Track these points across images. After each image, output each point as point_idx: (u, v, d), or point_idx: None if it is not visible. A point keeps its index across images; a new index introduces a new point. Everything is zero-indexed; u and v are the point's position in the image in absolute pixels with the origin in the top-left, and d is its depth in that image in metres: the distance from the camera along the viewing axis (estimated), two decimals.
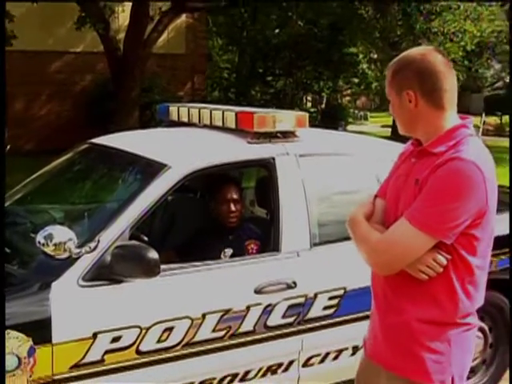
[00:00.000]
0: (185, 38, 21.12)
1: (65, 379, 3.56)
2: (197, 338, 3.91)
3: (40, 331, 3.48)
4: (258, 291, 4.06)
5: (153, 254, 3.63)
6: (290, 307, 4.18)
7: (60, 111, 19.16)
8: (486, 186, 2.63)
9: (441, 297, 2.70)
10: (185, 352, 3.89)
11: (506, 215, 5.07)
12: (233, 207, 4.66)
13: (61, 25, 18.03)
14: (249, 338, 4.08)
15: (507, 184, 7.36)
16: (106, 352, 3.66)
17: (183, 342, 3.88)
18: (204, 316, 3.91)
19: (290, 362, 4.30)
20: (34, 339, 3.44)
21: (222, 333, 3.99)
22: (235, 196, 4.68)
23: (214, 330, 3.96)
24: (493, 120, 33.98)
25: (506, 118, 35.68)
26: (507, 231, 4.86)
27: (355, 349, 4.41)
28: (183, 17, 19.71)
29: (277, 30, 25.75)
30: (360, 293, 4.22)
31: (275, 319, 4.14)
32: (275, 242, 4.28)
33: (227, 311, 3.98)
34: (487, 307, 4.89)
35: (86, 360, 3.61)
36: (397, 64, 2.82)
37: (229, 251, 4.52)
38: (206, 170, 4.24)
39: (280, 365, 4.26)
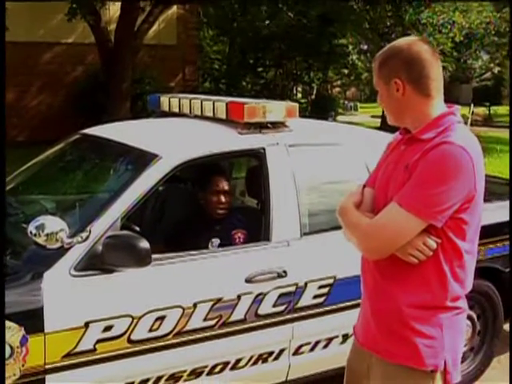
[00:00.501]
0: (176, 28, 21.07)
1: (57, 368, 3.58)
2: (188, 327, 3.93)
3: (32, 321, 3.49)
4: (248, 280, 4.09)
5: (144, 244, 3.65)
6: (281, 296, 4.21)
7: (51, 102, 19.11)
8: (475, 169, 2.66)
9: (431, 281, 2.73)
10: (176, 341, 3.91)
11: (494, 204, 5.13)
12: (222, 198, 4.68)
13: (52, 16, 17.98)
14: (240, 327, 4.11)
15: (496, 173, 7.42)
16: (98, 341, 3.68)
17: (175, 331, 3.90)
18: (195, 305, 3.93)
19: (281, 351, 4.33)
20: (26, 329, 3.45)
21: (213, 322, 4.01)
22: (226, 187, 4.71)
23: (205, 319, 3.98)
24: (481, 111, 34.06)
25: (494, 109, 35.80)
26: (495, 220, 4.93)
27: (345, 337, 4.45)
28: (174, 8, 19.67)
29: (267, 22, 25.70)
30: (350, 281, 4.25)
31: (266, 308, 4.17)
32: (266, 231, 4.30)
33: (218, 300, 4.01)
34: (475, 295, 4.97)
35: (78, 349, 3.62)
36: (384, 54, 2.87)
37: (216, 241, 4.54)
38: (197, 160, 4.26)
39: (271, 353, 4.29)
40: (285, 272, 4.19)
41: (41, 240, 3.53)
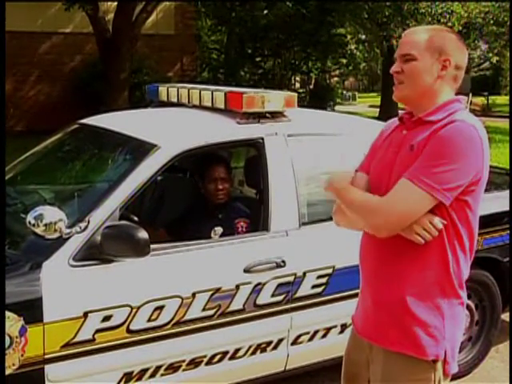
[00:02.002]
0: (174, 18, 21.03)
1: (56, 358, 3.59)
2: (187, 317, 3.95)
3: (31, 311, 3.49)
4: (247, 270, 4.10)
5: (143, 234, 3.65)
6: (280, 286, 4.21)
7: (49, 92, 19.10)
8: (483, 150, 2.69)
9: (433, 267, 2.73)
10: (175, 331, 3.93)
11: (492, 194, 5.14)
12: (220, 185, 4.71)
13: (49, 5, 17.93)
14: (238, 317, 4.12)
15: (494, 163, 7.43)
16: (97, 331, 3.69)
17: (173, 321, 3.91)
18: (194, 295, 3.94)
19: (280, 340, 4.34)
20: (26, 319, 3.46)
21: (212, 311, 4.02)
22: (222, 175, 4.73)
23: (203, 309, 3.99)
24: (480, 100, 34.05)
25: (492, 99, 35.79)
26: (493, 210, 4.95)
27: (343, 326, 4.46)
28: None
29: (265, 11, 25.63)
30: (349, 271, 4.25)
31: (265, 298, 4.18)
32: (264, 221, 4.30)
33: (217, 290, 4.01)
34: (473, 285, 4.98)
35: (77, 339, 3.63)
36: (436, 30, 2.87)
37: (219, 230, 4.55)
38: (196, 150, 4.26)
39: (269, 343, 4.30)
40: (283, 262, 4.19)
41: (39, 230, 3.53)
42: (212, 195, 4.74)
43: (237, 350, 4.19)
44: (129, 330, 3.78)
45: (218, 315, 4.05)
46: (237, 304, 4.10)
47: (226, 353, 4.16)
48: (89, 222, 3.70)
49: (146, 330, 3.83)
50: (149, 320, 3.83)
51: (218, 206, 4.76)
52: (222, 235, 4.55)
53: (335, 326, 4.49)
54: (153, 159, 4.02)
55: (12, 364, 3.44)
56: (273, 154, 4.37)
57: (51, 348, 3.57)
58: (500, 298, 5.28)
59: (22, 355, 3.47)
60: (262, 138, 4.38)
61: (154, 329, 3.86)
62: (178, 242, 4.08)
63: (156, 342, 3.88)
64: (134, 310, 3.77)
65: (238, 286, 4.08)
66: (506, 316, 5.73)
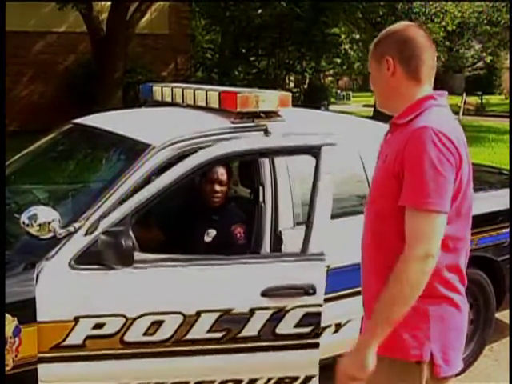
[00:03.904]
0: (168, 18, 21.02)
1: (47, 359, 3.56)
2: (189, 336, 3.80)
3: (25, 311, 3.47)
4: (264, 294, 3.91)
5: (127, 243, 3.60)
6: (306, 315, 4.03)
7: (43, 92, 19.06)
8: (458, 150, 2.60)
9: None
10: (177, 349, 3.79)
11: (487, 193, 5.15)
12: (217, 187, 4.59)
13: (43, 5, 17.89)
14: (253, 344, 3.94)
15: (487, 162, 7.44)
16: (88, 337, 3.62)
17: (173, 339, 3.77)
18: (199, 314, 3.80)
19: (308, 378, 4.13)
20: (19, 319, 3.44)
21: (220, 334, 3.87)
22: (221, 177, 4.61)
23: (209, 331, 3.84)
24: (473, 100, 34.13)
25: (486, 98, 35.89)
26: (488, 209, 4.96)
27: (338, 326, 4.42)
28: None
29: (260, 11, 25.62)
30: (343, 271, 4.23)
31: (287, 327, 3.98)
32: (258, 222, 4.25)
33: (226, 312, 3.86)
34: (467, 284, 4.98)
35: (66, 343, 3.58)
36: (380, 36, 2.85)
37: (212, 232, 4.51)
38: (224, 158, 4.23)
39: (296, 378, 4.11)
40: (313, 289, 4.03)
41: (33, 230, 3.51)
42: (208, 197, 4.64)
43: (253, 381, 4.02)
44: (123, 341, 3.69)
45: (228, 339, 3.88)
46: (251, 329, 3.91)
47: (239, 381, 4.00)
48: (83, 222, 3.67)
49: (142, 344, 3.73)
50: (145, 334, 3.72)
51: (213, 208, 4.67)
52: (215, 238, 4.51)
53: (329, 326, 4.36)
54: (176, 167, 3.97)
55: (5, 365, 3.43)
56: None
57: (43, 349, 3.54)
58: (494, 297, 5.29)
59: (16, 356, 3.46)
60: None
61: (151, 344, 3.74)
62: (184, 255, 3.98)
63: (156, 357, 3.76)
64: (129, 321, 3.67)
65: (252, 310, 3.90)
66: (499, 315, 5.74)
